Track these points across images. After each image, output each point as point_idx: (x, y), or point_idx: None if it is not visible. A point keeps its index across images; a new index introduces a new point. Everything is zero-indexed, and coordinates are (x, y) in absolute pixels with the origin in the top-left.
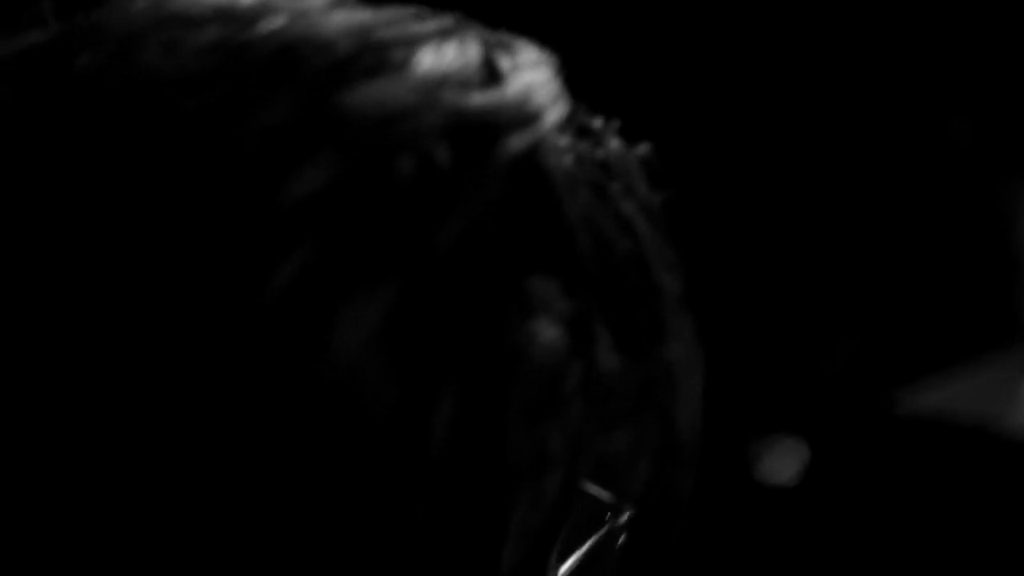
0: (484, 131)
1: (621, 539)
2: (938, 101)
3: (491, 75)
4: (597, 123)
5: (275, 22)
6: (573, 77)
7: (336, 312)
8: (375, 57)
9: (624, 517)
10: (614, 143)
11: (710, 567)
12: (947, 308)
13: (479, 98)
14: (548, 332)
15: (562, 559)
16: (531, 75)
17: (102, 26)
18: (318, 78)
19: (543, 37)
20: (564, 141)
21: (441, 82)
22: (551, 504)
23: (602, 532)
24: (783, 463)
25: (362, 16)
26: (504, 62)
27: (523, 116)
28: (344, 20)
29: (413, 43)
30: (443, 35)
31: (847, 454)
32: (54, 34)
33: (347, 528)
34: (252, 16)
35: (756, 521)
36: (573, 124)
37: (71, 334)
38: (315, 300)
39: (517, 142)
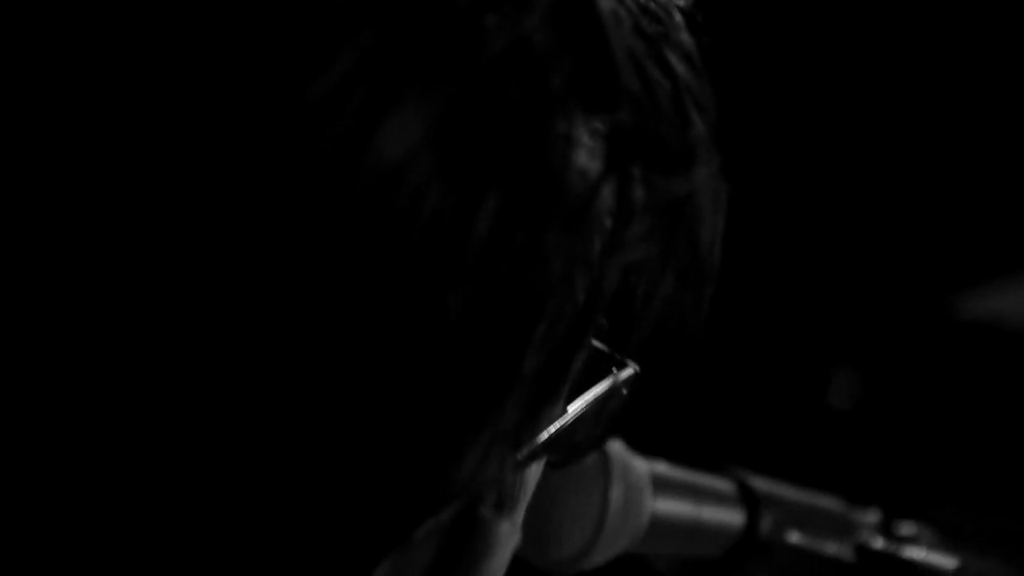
0: None
1: (628, 388)
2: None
3: None
4: None
5: None
6: None
7: (385, 113)
8: None
9: (632, 369)
10: None
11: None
12: (1004, 213)
13: None
14: (587, 148)
15: (571, 399)
16: None
17: None
18: None
19: None
20: None
21: None
22: (576, 316)
23: (612, 381)
24: (846, 385)
25: None
26: None
27: None
28: None
29: None
30: None
31: (906, 364)
32: None
33: (384, 322)
34: None
35: (824, 442)
36: None
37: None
38: (364, 99)
39: None
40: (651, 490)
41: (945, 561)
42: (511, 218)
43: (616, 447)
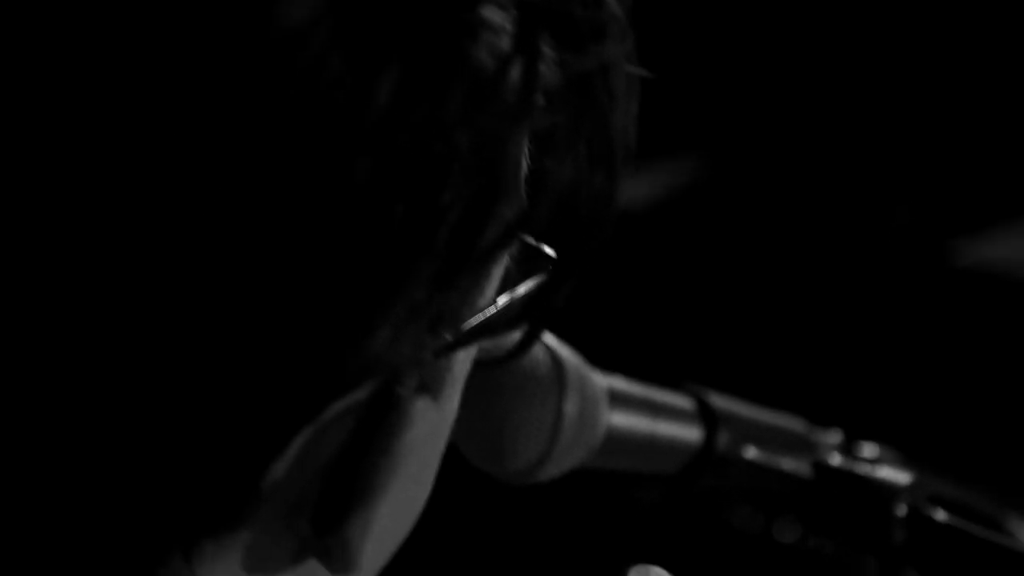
0: None
1: (562, 284)
2: None
3: None
4: None
5: None
6: None
7: None
8: None
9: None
10: None
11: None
12: (1007, 160)
13: None
14: (494, 24)
15: (502, 292)
16: None
17: None
18: None
19: None
20: None
21: None
22: (484, 189)
23: (542, 275)
24: None
25: None
26: None
27: None
28: None
29: None
30: None
31: (908, 304)
32: None
33: (288, 187)
34: None
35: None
36: None
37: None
38: None
39: None
40: (607, 404)
41: (899, 476)
42: (412, 90)
43: (573, 360)
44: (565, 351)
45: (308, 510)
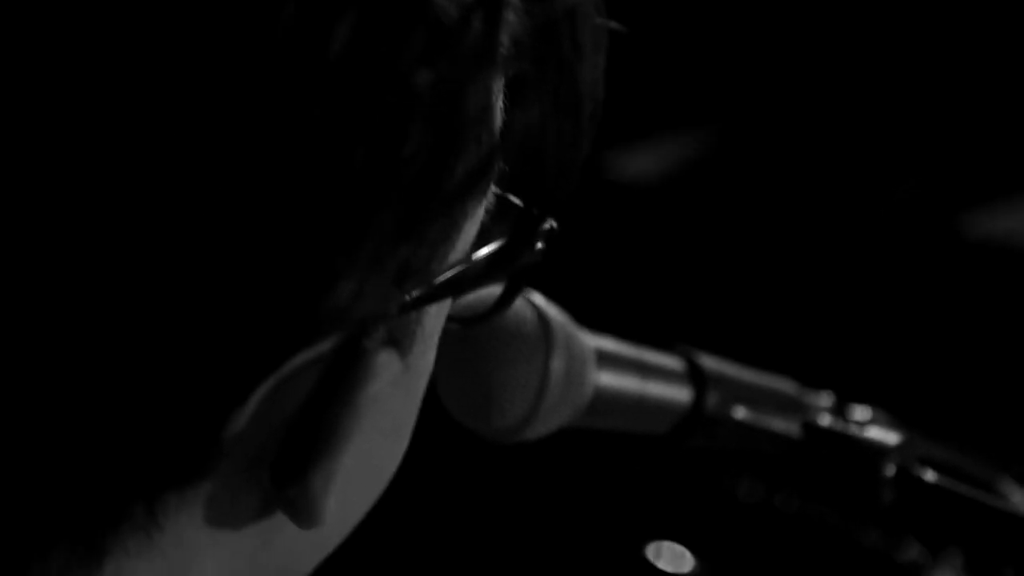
0: None
1: (541, 243)
2: None
3: None
4: None
5: None
6: None
7: None
8: None
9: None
10: None
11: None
12: (1015, 133)
13: None
14: None
15: (478, 248)
16: None
17: None
18: None
19: None
20: None
21: None
22: (444, 137)
23: (518, 233)
24: None
25: None
26: None
27: None
28: None
29: None
30: None
31: (914, 277)
32: None
33: (248, 129)
34: None
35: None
36: None
37: None
38: None
39: None
40: (595, 363)
41: (888, 437)
42: (370, 35)
43: (560, 319)
44: (553, 310)
45: (270, 462)
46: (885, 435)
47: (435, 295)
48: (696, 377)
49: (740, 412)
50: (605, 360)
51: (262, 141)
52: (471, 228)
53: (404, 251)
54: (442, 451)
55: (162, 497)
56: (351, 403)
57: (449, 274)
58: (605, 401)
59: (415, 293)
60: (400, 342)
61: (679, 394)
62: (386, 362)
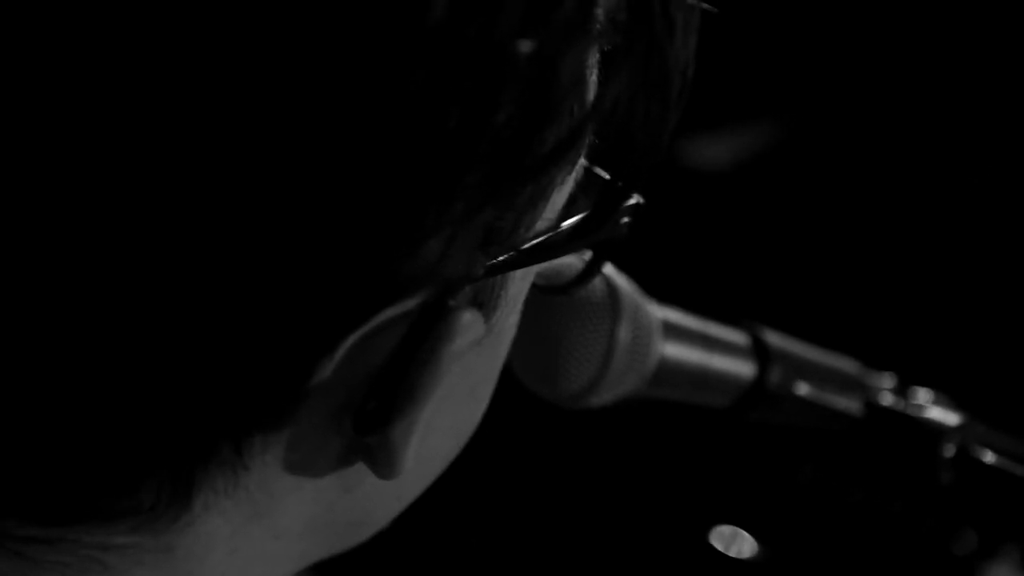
0: None
1: (626, 217)
2: None
3: None
4: None
5: None
6: None
7: None
8: None
9: (633, 199)
10: None
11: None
12: None
13: None
14: None
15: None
16: None
17: None
18: None
19: None
20: None
21: None
22: (534, 106)
23: (603, 205)
24: None
25: None
26: None
27: None
28: None
29: None
30: None
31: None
32: None
33: (347, 91)
34: None
35: None
36: None
37: None
38: None
39: None
40: (661, 334)
41: (948, 418)
42: (468, 6)
43: (628, 289)
44: (622, 280)
45: (354, 410)
46: (946, 416)
47: (520, 261)
48: (760, 352)
49: (803, 388)
50: (671, 331)
51: (361, 101)
52: (559, 198)
53: (491, 215)
54: (505, 428)
55: (249, 438)
56: (434, 359)
57: (535, 241)
58: (669, 371)
59: (500, 257)
60: (484, 304)
61: (742, 368)
62: (470, 322)
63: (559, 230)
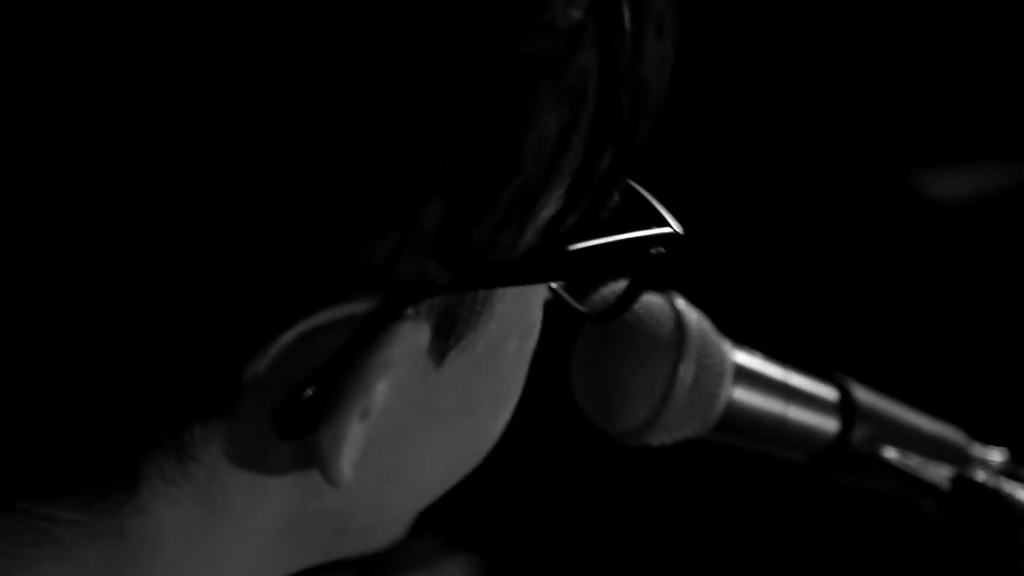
0: None
1: (660, 248)
2: None
3: None
4: None
5: None
6: None
7: None
8: None
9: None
10: None
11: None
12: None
13: None
14: None
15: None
16: None
17: None
18: None
19: None
20: None
21: None
22: (493, 130)
23: (628, 235)
24: None
25: None
26: None
27: None
28: None
29: None
30: None
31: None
32: None
33: (305, 87)
34: None
35: None
36: None
37: None
38: None
39: None
40: (732, 377)
41: None
42: (449, 24)
43: (699, 326)
44: (694, 316)
45: (274, 412)
46: None
47: (494, 278)
48: (846, 408)
49: (890, 452)
50: (745, 376)
51: (296, 81)
52: (545, 214)
53: (450, 226)
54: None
55: (189, 427)
56: (362, 366)
57: (510, 259)
58: (739, 418)
59: (470, 273)
60: (457, 320)
61: (824, 423)
62: (408, 332)
63: (537, 253)
